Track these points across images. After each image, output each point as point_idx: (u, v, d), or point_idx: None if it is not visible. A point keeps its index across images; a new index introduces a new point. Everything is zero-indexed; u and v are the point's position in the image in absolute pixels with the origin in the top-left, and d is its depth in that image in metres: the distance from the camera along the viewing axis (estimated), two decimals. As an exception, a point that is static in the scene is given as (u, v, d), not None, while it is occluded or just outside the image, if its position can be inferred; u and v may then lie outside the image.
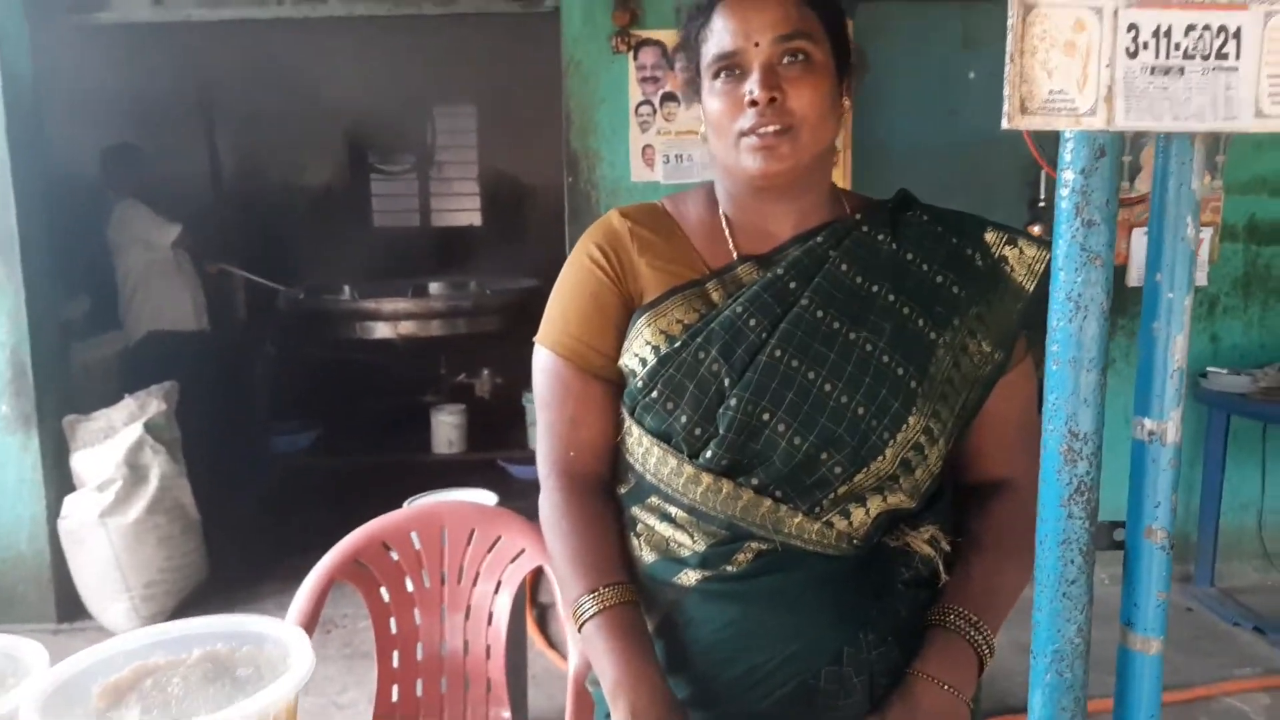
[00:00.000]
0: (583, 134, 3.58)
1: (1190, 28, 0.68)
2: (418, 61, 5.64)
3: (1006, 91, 0.65)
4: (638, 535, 1.12)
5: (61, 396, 3.67)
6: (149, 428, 3.55)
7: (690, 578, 1.08)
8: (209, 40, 4.56)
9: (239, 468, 4.76)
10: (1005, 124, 0.66)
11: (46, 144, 3.67)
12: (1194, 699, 2.98)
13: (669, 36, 3.34)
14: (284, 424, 5.41)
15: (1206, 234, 3.72)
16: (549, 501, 1.14)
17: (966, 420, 1.11)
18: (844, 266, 1.10)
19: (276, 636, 0.78)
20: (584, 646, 1.06)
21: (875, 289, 1.10)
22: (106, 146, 4.37)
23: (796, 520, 1.05)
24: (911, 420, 1.05)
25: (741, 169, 1.07)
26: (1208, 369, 3.71)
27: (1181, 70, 0.68)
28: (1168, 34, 0.67)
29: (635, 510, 1.13)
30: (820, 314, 1.07)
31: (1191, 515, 3.80)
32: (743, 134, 1.05)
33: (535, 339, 1.17)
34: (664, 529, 1.10)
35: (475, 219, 7.04)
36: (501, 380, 5.44)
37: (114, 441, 3.51)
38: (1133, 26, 0.66)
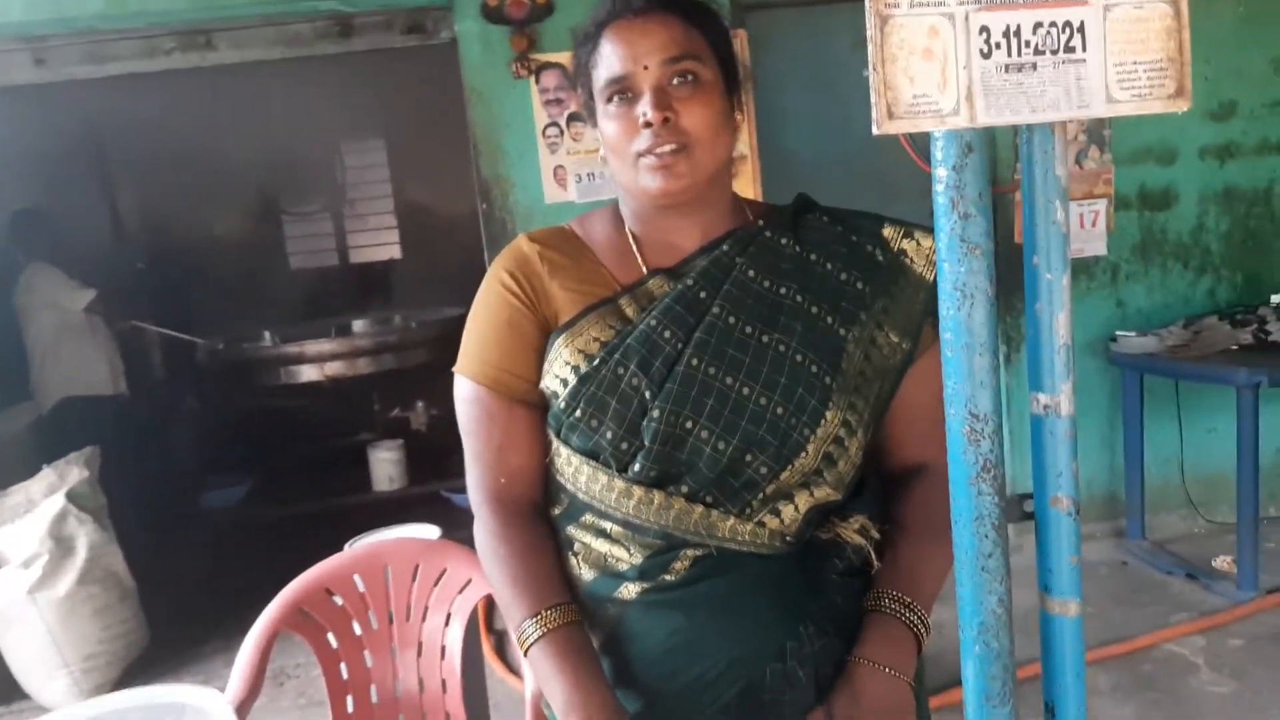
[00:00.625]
0: (492, 161, 3.59)
1: (1038, 25, 0.72)
2: (320, 100, 5.58)
3: (874, 99, 0.69)
4: (575, 554, 1.14)
5: (-25, 475, 3.54)
6: (71, 497, 3.44)
7: (630, 591, 1.09)
8: (100, 96, 4.45)
9: (171, 528, 4.64)
10: (875, 130, 0.69)
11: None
12: (1135, 649, 3.10)
13: (569, 59, 3.37)
14: (215, 479, 5.28)
15: (1101, 205, 3.88)
16: (484, 530, 1.15)
17: (882, 410, 1.15)
18: (751, 272, 1.13)
19: (197, 705, 0.76)
20: (532, 670, 1.07)
21: (783, 291, 1.13)
22: (15, 211, 4.24)
23: (729, 523, 1.08)
24: (829, 415, 1.08)
25: (642, 188, 1.10)
26: (1117, 333, 3.86)
27: (1034, 66, 0.72)
28: (1017, 33, 0.71)
29: (570, 530, 1.14)
30: (732, 320, 1.10)
31: (1118, 474, 3.96)
32: (640, 155, 1.08)
33: (454, 369, 1.18)
34: (600, 545, 1.11)
35: (395, 253, 6.98)
36: (437, 411, 5.39)
37: (35, 515, 3.39)
38: (984, 29, 0.71)
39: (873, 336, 1.14)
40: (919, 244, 1.17)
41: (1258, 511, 3.43)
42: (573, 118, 3.55)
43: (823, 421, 1.08)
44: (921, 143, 3.14)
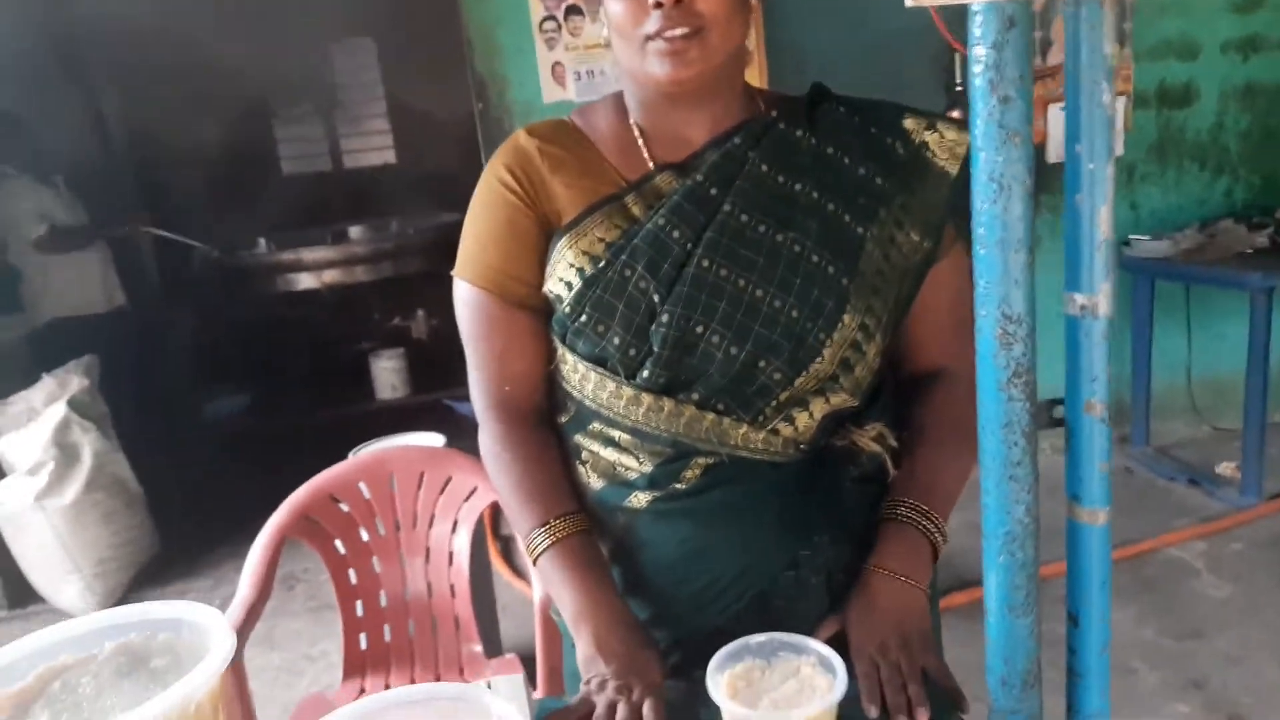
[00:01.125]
0: (487, 58, 3.46)
1: (1094, -118, 0.65)
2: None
3: (912, -34, 0.62)
4: (583, 463, 1.11)
5: (-28, 385, 3.51)
6: (73, 405, 3.43)
7: (640, 499, 1.07)
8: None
9: (175, 438, 4.64)
10: (909, 1, 0.63)
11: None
12: (1137, 554, 3.12)
13: (567, -54, 3.22)
14: (216, 389, 5.27)
15: (1120, 103, 3.75)
16: (490, 437, 1.11)
17: (901, 313, 1.11)
18: (764, 166, 1.07)
19: (193, 620, 0.73)
20: (541, 579, 1.05)
21: (798, 187, 1.07)
22: None
23: (741, 431, 1.04)
24: (846, 318, 1.04)
25: (649, 75, 1.02)
26: (1130, 236, 3.79)
27: (1088, -71, 0.65)
28: (1072, -109, 0.64)
29: (578, 438, 1.11)
30: (745, 218, 1.05)
31: (1124, 379, 3.93)
32: (649, 38, 1.00)
33: (453, 273, 1.13)
34: (609, 454, 1.08)
35: (389, 157, 6.81)
36: (438, 320, 5.35)
37: (38, 423, 3.39)
38: (1036, -115, 0.63)
39: (892, 235, 1.08)
40: (942, 136, 1.10)
41: (1265, 417, 3.41)
42: (571, 11, 3.40)
43: (840, 325, 1.03)
44: (955, 21, 3.01)
